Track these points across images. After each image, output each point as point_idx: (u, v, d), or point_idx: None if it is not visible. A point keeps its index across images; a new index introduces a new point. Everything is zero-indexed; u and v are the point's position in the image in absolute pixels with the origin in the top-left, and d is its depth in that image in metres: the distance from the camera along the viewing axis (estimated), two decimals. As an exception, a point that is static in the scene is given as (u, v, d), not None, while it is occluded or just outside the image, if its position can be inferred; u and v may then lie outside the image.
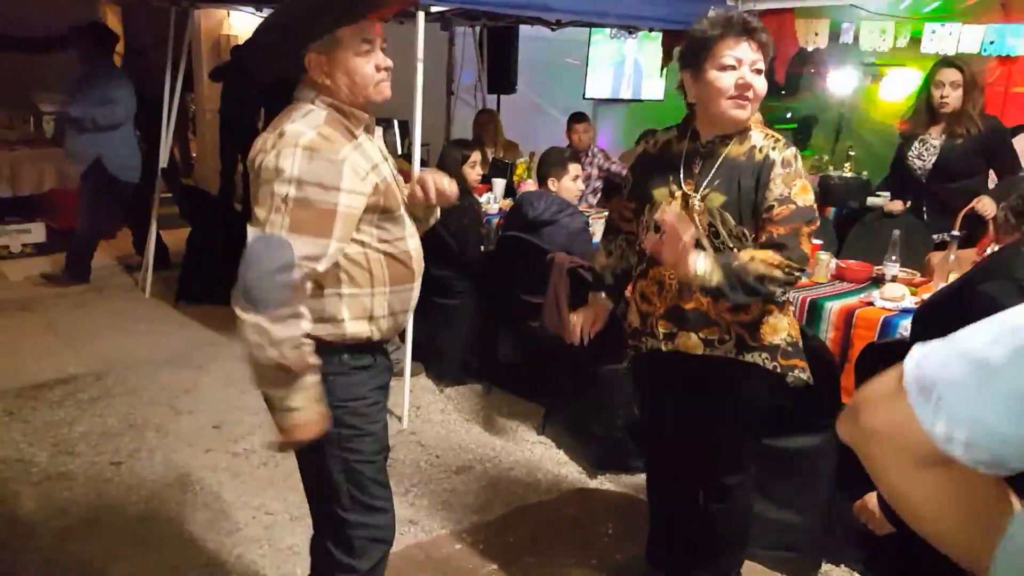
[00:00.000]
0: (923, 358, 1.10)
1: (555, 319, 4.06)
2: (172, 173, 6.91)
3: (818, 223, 2.52)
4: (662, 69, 6.87)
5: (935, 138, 4.77)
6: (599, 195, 6.69)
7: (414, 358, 4.63)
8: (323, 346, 2.14)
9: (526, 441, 4.41)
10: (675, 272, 2.43)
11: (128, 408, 4.55)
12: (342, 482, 2.32)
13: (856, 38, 5.97)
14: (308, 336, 2.03)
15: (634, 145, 8.13)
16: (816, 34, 5.96)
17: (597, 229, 4.94)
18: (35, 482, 3.79)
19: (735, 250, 2.43)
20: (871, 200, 6.25)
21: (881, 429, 1.14)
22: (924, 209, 4.91)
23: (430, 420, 4.62)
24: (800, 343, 2.65)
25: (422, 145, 4.77)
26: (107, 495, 3.73)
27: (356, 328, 2.20)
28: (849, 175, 6.92)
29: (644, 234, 2.60)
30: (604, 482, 4.02)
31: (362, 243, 2.16)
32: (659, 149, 2.64)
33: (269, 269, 1.97)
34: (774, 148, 2.47)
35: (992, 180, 4.80)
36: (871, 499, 2.12)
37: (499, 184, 6.14)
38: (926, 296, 3.38)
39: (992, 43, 5.40)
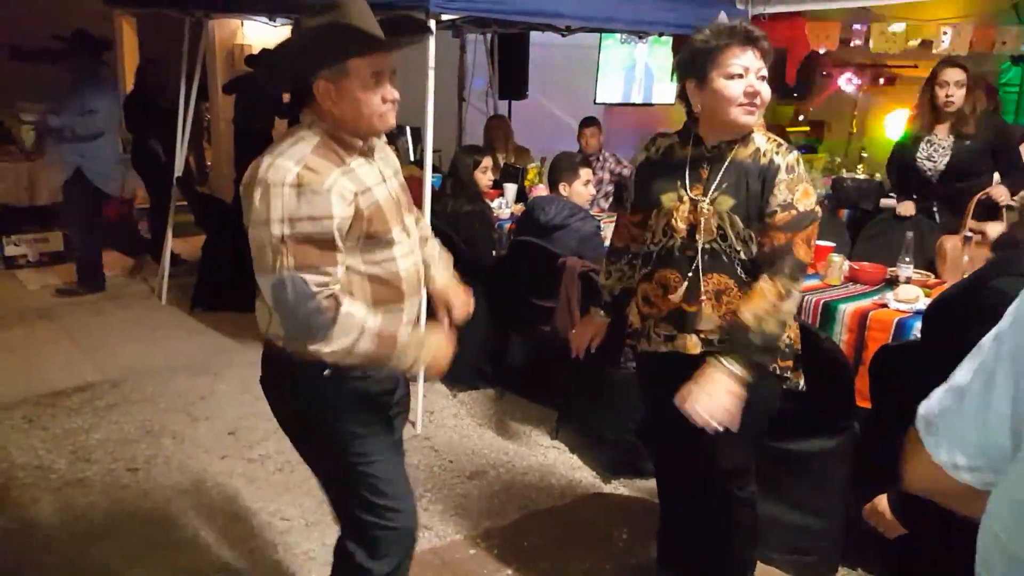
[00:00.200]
0: (927, 401, 1.23)
1: (567, 323, 4.07)
2: (187, 181, 6.95)
3: (818, 221, 2.53)
4: (672, 74, 6.86)
5: (943, 139, 4.77)
6: (611, 199, 6.69)
7: (427, 363, 4.64)
8: (303, 362, 2.19)
9: (539, 446, 4.42)
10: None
11: (145, 415, 4.59)
12: (354, 485, 2.35)
13: (867, 40, 5.96)
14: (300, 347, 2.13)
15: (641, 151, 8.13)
16: (827, 37, 5.96)
17: (608, 233, 4.96)
18: (54, 488, 3.83)
19: (756, 304, 2.42)
20: (884, 202, 6.24)
21: (917, 477, 1.29)
22: (935, 210, 4.91)
23: (443, 425, 4.64)
24: (798, 346, 2.67)
25: (434, 151, 4.79)
26: (124, 501, 3.76)
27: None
28: (862, 177, 6.91)
29: (652, 239, 2.63)
30: (618, 487, 4.02)
31: (346, 266, 2.17)
32: (662, 155, 2.67)
33: (296, 309, 2.05)
34: (777, 153, 2.50)
35: (996, 179, 4.79)
36: (880, 502, 2.11)
37: (511, 189, 6.15)
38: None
39: (1004, 44, 5.40)
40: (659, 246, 2.61)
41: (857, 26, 6.03)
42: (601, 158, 6.75)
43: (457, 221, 4.99)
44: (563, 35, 6.72)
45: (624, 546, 3.55)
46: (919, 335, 3.38)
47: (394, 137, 5.92)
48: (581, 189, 4.73)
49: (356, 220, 2.13)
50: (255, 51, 8.93)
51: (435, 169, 6.15)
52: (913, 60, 7.47)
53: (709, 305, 2.53)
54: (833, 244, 4.23)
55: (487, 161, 5.16)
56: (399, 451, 2.57)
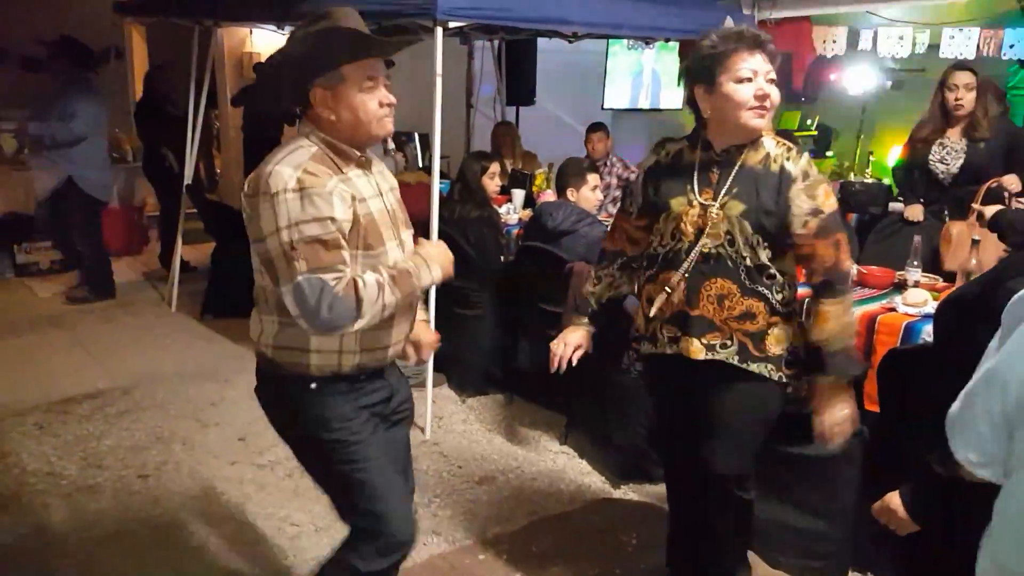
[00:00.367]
0: (952, 406, 1.32)
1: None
2: (197, 189, 6.98)
3: None
4: (679, 79, 6.87)
5: (956, 142, 4.77)
6: (618, 204, 6.69)
7: (436, 369, 4.66)
8: (291, 375, 2.23)
9: (549, 451, 4.43)
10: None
11: (155, 421, 4.61)
12: (346, 492, 2.37)
13: (874, 44, 5.96)
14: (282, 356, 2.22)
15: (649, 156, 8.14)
16: (834, 41, 5.96)
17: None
18: (65, 494, 3.85)
19: (829, 323, 2.55)
20: (893, 206, 6.23)
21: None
22: (945, 213, 4.90)
23: (452, 431, 4.64)
24: (803, 354, 2.68)
25: (442, 157, 4.80)
26: (135, 507, 3.77)
27: (323, 360, 2.24)
28: (870, 181, 6.90)
29: (660, 241, 2.64)
30: (628, 492, 4.02)
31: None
32: (671, 159, 2.67)
33: (319, 308, 2.06)
34: (788, 159, 2.52)
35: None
36: (892, 499, 2.10)
37: (518, 195, 6.16)
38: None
39: (1012, 47, 5.40)
40: (666, 248, 2.62)
41: (864, 30, 6.03)
42: (609, 163, 6.76)
43: (465, 227, 5.00)
44: (570, 41, 6.74)
45: (634, 551, 3.55)
46: (928, 339, 3.39)
47: (403, 144, 5.95)
48: (589, 194, 4.74)
49: (354, 225, 2.15)
50: (263, 59, 8.95)
51: (443, 175, 6.17)
52: (920, 64, 7.46)
53: (712, 308, 2.54)
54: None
55: (495, 167, 5.17)
56: (401, 456, 2.57)
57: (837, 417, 2.57)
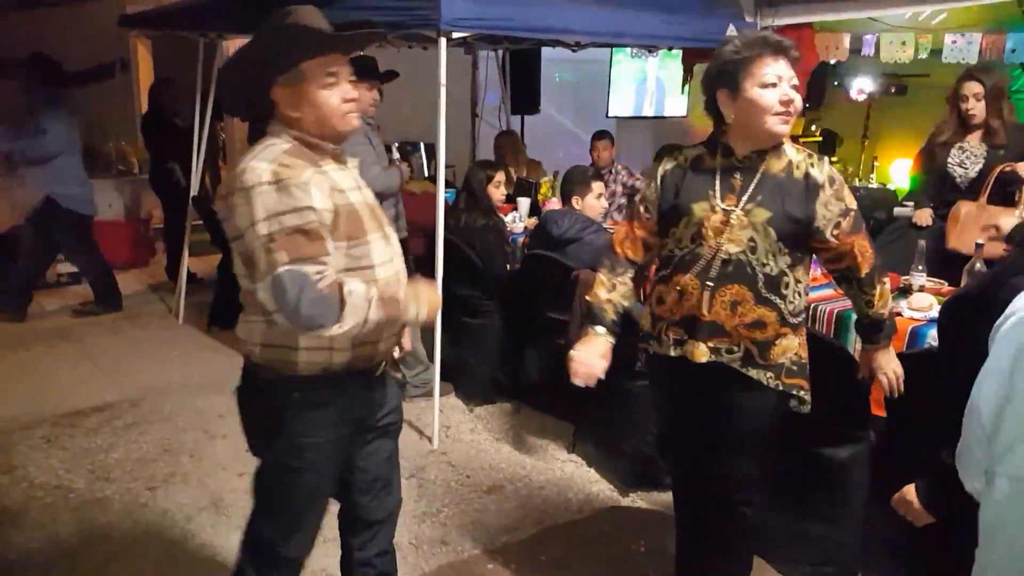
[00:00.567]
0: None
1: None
2: (203, 200, 7.00)
3: None
4: (683, 86, 6.89)
5: (975, 146, 4.76)
6: (624, 211, 6.71)
7: (443, 378, 4.66)
8: (275, 378, 2.22)
9: (557, 459, 4.43)
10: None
11: (163, 434, 4.62)
12: (273, 507, 2.40)
13: (877, 50, 5.97)
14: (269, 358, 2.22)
15: (653, 162, 8.15)
16: (836, 47, 5.97)
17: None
18: (73, 507, 3.86)
19: (877, 302, 2.70)
20: (898, 211, 6.23)
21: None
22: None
23: (460, 440, 4.65)
24: (807, 363, 2.68)
25: (447, 167, 4.83)
26: (143, 520, 3.78)
27: (313, 357, 2.22)
28: (875, 186, 6.90)
29: (677, 244, 2.62)
30: (636, 499, 4.02)
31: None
32: (690, 164, 2.66)
33: (299, 302, 2.03)
34: (812, 165, 2.56)
35: None
36: (909, 491, 2.12)
37: (524, 203, 6.18)
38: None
39: (1014, 51, 5.39)
40: (684, 251, 2.60)
41: (866, 36, 6.03)
42: (613, 171, 6.77)
43: (471, 235, 5.01)
44: (574, 50, 6.76)
45: (643, 559, 3.55)
46: (934, 343, 3.39)
47: (408, 154, 5.96)
48: (594, 202, 4.74)
49: (336, 216, 2.14)
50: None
51: (449, 184, 6.19)
52: (923, 69, 7.46)
53: (723, 314, 2.54)
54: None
55: (500, 176, 5.19)
56: (381, 469, 2.57)
57: (896, 367, 2.78)
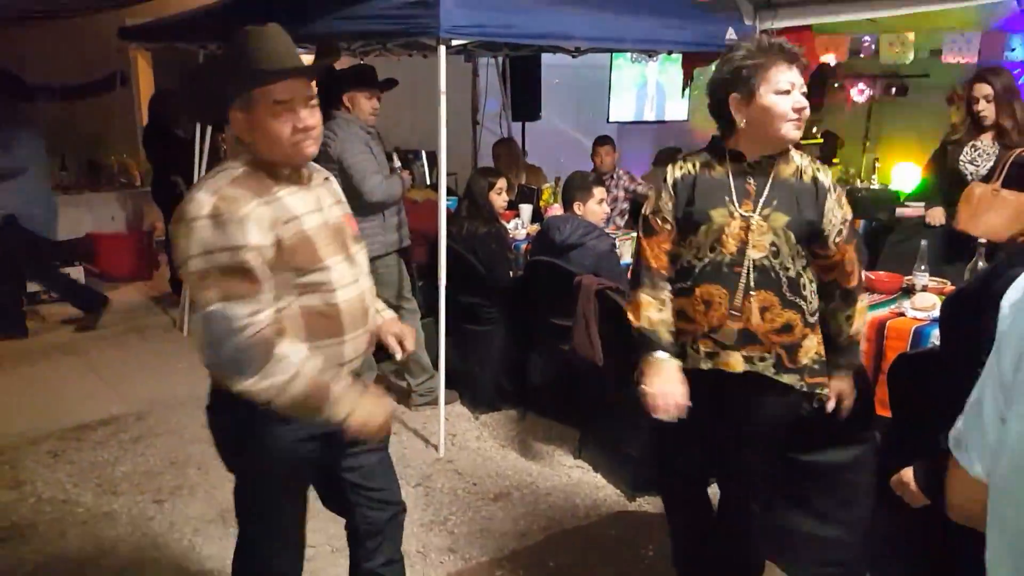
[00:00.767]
0: (957, 423, 1.32)
1: (585, 342, 4.08)
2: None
3: None
4: (683, 90, 6.90)
5: (988, 146, 4.77)
6: (626, 216, 6.71)
7: (448, 386, 4.67)
8: (231, 397, 2.15)
9: (563, 465, 4.42)
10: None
11: (169, 446, 4.62)
12: (247, 528, 2.40)
13: (877, 51, 5.97)
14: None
15: (652, 167, 8.17)
16: (836, 49, 5.97)
17: (624, 251, 4.97)
18: (80, 522, 3.86)
19: (844, 319, 2.72)
20: (900, 211, 6.23)
21: (958, 500, 1.35)
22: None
23: (466, 447, 4.65)
24: (824, 359, 2.70)
25: (449, 174, 4.84)
26: (151, 533, 3.78)
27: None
28: (876, 188, 6.91)
29: (697, 254, 2.60)
30: (643, 504, 4.02)
31: (276, 297, 2.13)
32: (699, 171, 2.64)
33: (222, 344, 2.02)
34: (819, 170, 2.61)
35: None
36: (907, 473, 2.13)
37: (526, 210, 6.18)
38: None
39: (1014, 50, 5.40)
40: (704, 261, 2.58)
41: (866, 37, 6.04)
42: (615, 176, 6.78)
43: (473, 243, 5.02)
44: (574, 56, 6.76)
45: (650, 563, 3.55)
46: (936, 343, 3.39)
47: (409, 161, 5.97)
48: (595, 208, 4.74)
49: (278, 251, 2.09)
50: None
51: (451, 192, 6.19)
52: (923, 69, 7.47)
53: (753, 321, 2.55)
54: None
55: (502, 182, 5.19)
56: (378, 477, 2.56)
57: (852, 399, 2.78)
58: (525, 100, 8.75)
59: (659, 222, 2.68)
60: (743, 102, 2.51)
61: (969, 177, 4.82)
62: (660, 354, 2.60)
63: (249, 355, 2.02)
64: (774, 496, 2.95)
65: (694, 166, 2.65)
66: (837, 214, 2.59)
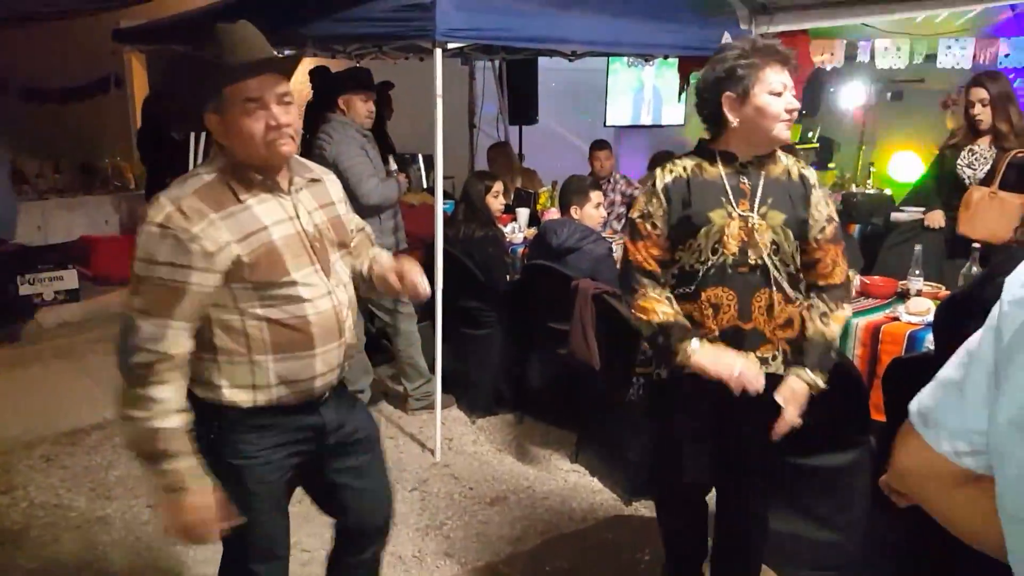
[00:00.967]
0: (918, 397, 1.33)
1: (582, 346, 4.07)
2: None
3: None
4: (680, 94, 6.90)
5: (985, 150, 4.78)
6: (623, 220, 6.71)
7: (445, 390, 4.66)
8: (205, 404, 2.17)
9: (560, 469, 4.42)
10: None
11: (164, 450, 4.59)
12: (233, 535, 2.34)
13: (872, 56, 5.98)
14: (174, 413, 2.08)
15: (648, 171, 8.16)
16: (831, 54, 5.98)
17: (621, 254, 4.96)
18: (75, 527, 3.84)
19: (819, 317, 2.61)
20: (895, 216, 6.23)
21: (910, 466, 1.35)
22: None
23: (463, 452, 4.64)
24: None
25: (446, 178, 4.82)
26: (145, 537, 3.76)
27: (236, 395, 2.16)
28: (872, 192, 6.91)
29: (699, 258, 2.57)
30: (640, 508, 4.01)
31: (240, 309, 2.11)
32: (691, 173, 2.61)
33: (125, 351, 2.05)
34: (803, 168, 2.65)
35: None
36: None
37: (523, 213, 6.18)
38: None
39: (1008, 56, 5.41)
40: (707, 264, 2.56)
41: (861, 42, 6.04)
42: (612, 180, 6.78)
43: (470, 246, 5.01)
44: (570, 60, 6.77)
45: (647, 567, 3.54)
46: (931, 347, 3.39)
47: (406, 165, 5.96)
48: (592, 212, 4.74)
49: (235, 266, 2.05)
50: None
51: (448, 195, 6.19)
52: (918, 74, 7.48)
53: (762, 320, 2.56)
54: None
55: (498, 186, 5.19)
56: (368, 482, 2.53)
57: (798, 409, 2.55)
58: (522, 104, 8.74)
59: (648, 227, 2.63)
60: (737, 101, 2.51)
61: (967, 181, 4.84)
62: (695, 342, 2.52)
63: (133, 375, 2.05)
64: (772, 499, 2.94)
65: (685, 169, 2.62)
66: (822, 210, 2.62)
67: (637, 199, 2.71)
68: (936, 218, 5.00)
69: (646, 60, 7.83)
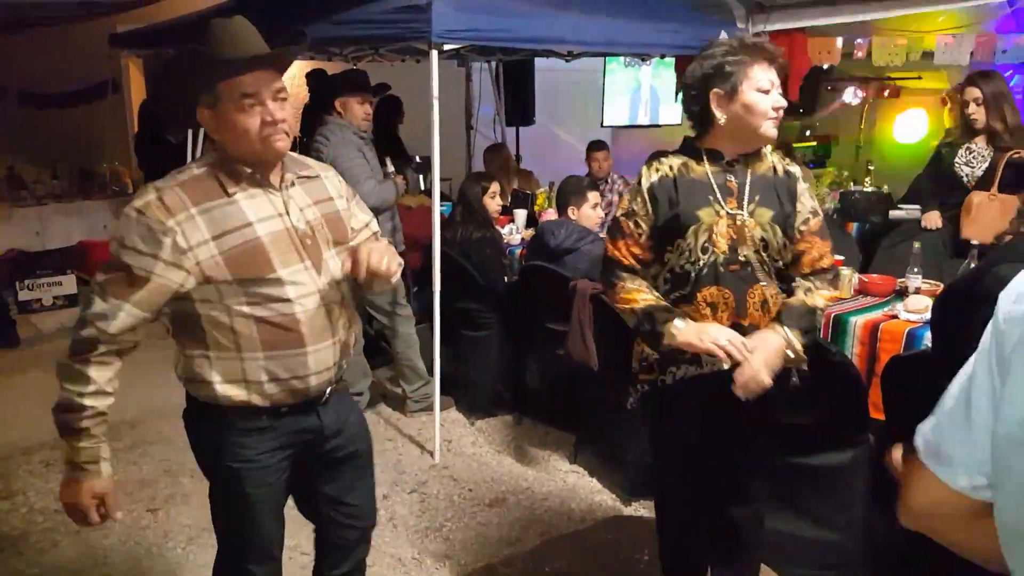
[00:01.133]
0: (924, 431, 1.27)
1: (580, 346, 4.07)
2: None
3: None
4: (677, 94, 6.89)
5: (983, 148, 4.78)
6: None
7: (443, 392, 4.65)
8: (204, 406, 2.21)
9: (559, 470, 4.41)
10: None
11: (163, 455, 4.60)
12: (223, 535, 2.39)
13: (869, 54, 5.98)
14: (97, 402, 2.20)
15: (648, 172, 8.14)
16: (828, 52, 5.97)
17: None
18: (74, 532, 3.82)
19: (802, 290, 2.60)
20: (893, 214, 6.21)
21: (926, 504, 1.29)
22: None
23: (462, 453, 4.63)
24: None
25: (443, 180, 4.82)
26: (144, 542, 3.76)
27: (229, 391, 2.16)
28: (870, 190, 6.89)
29: (689, 258, 2.55)
30: (639, 508, 4.01)
31: (226, 306, 2.10)
32: (678, 172, 2.60)
33: (78, 321, 2.09)
34: (787, 163, 2.67)
35: None
36: (896, 451, 2.12)
37: (520, 215, 6.17)
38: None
39: (1005, 52, 5.41)
40: (699, 265, 2.54)
41: (858, 40, 6.03)
42: (610, 180, 6.78)
43: (468, 248, 5.01)
44: (567, 60, 6.76)
45: (646, 567, 3.53)
46: (930, 345, 3.39)
47: (403, 166, 5.93)
48: (590, 212, 4.74)
49: (210, 265, 2.05)
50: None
51: (446, 197, 6.18)
52: (916, 72, 7.48)
53: (757, 316, 2.57)
54: (842, 257, 4.22)
55: (495, 186, 5.19)
56: (358, 490, 2.53)
57: (767, 363, 2.44)
58: (519, 105, 8.73)
59: (631, 225, 2.63)
60: (724, 99, 2.51)
61: (965, 179, 4.84)
62: (679, 322, 2.49)
63: (76, 348, 2.09)
64: (771, 499, 2.95)
65: (671, 168, 2.61)
66: (806, 202, 2.63)
67: (623, 197, 2.71)
68: (933, 219, 5.00)
69: (643, 60, 7.82)
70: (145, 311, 2.09)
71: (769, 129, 2.51)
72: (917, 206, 5.34)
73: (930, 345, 3.36)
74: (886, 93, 8.40)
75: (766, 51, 2.51)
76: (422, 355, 4.94)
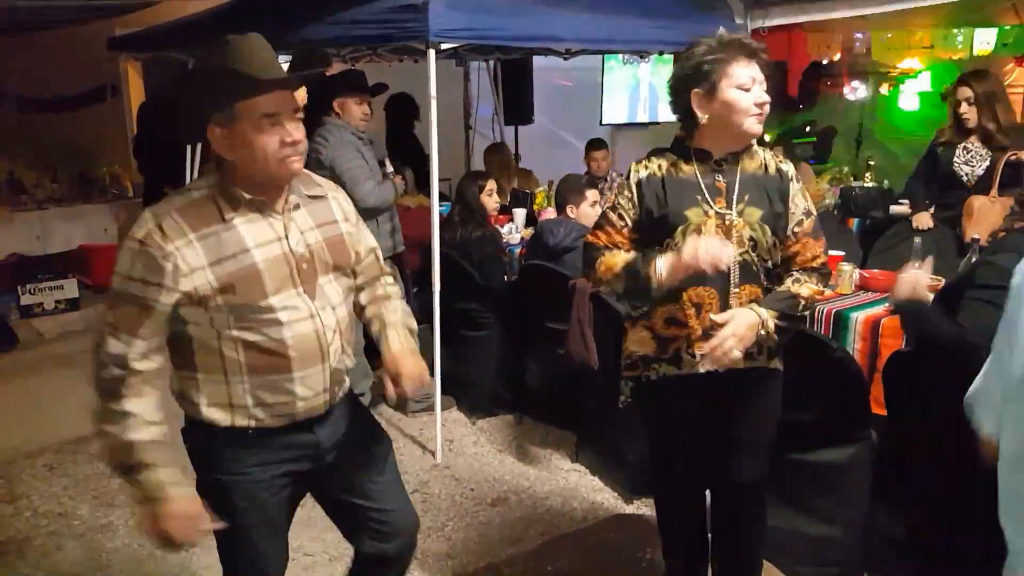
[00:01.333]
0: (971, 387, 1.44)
1: (580, 345, 4.06)
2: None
3: None
4: (670, 84, 6.88)
5: (980, 148, 4.78)
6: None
7: (444, 392, 4.65)
8: (195, 420, 2.17)
9: (560, 469, 4.41)
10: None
11: (165, 457, 4.59)
12: (220, 554, 2.34)
13: (868, 49, 5.98)
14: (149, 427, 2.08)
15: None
16: (828, 47, 5.97)
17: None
18: (78, 535, 3.84)
19: (790, 280, 2.59)
20: (894, 209, 6.22)
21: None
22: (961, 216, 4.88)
23: (463, 453, 4.63)
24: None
25: (442, 180, 4.81)
26: (148, 544, 3.75)
27: (214, 414, 2.14)
28: (870, 185, 6.89)
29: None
30: (640, 507, 4.01)
31: (216, 330, 2.06)
32: (667, 171, 2.60)
33: (95, 363, 2.04)
34: (781, 161, 2.64)
35: None
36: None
37: (520, 214, 6.17)
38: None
39: (1005, 45, 5.41)
40: None
41: (858, 35, 6.04)
42: (609, 179, 6.78)
43: (468, 248, 5.01)
44: (564, 58, 6.76)
45: (648, 566, 3.53)
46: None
47: (401, 167, 5.92)
48: (588, 210, 4.73)
49: (204, 291, 2.00)
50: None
51: (443, 197, 6.18)
52: (915, 66, 7.48)
53: None
54: (843, 253, 4.23)
55: (491, 184, 5.18)
56: (379, 497, 2.49)
57: (736, 334, 2.42)
58: (517, 104, 8.74)
59: (615, 217, 2.64)
60: (705, 98, 2.50)
61: (964, 178, 4.84)
62: (659, 262, 2.46)
63: (103, 389, 2.04)
64: (772, 495, 2.94)
65: (660, 167, 2.61)
66: (799, 203, 2.61)
67: (610, 193, 2.72)
68: (923, 220, 4.99)
69: (641, 57, 7.82)
70: (160, 335, 2.05)
71: (752, 125, 2.49)
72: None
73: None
74: (885, 88, 8.40)
75: (746, 47, 2.49)
76: (422, 355, 4.92)
